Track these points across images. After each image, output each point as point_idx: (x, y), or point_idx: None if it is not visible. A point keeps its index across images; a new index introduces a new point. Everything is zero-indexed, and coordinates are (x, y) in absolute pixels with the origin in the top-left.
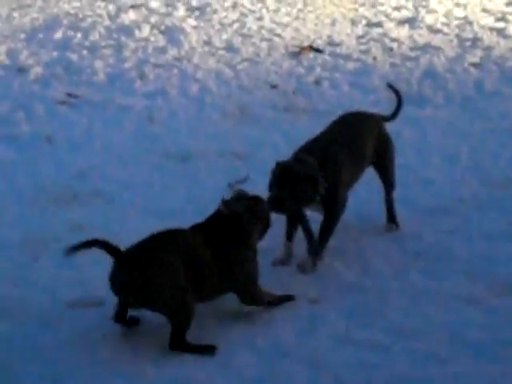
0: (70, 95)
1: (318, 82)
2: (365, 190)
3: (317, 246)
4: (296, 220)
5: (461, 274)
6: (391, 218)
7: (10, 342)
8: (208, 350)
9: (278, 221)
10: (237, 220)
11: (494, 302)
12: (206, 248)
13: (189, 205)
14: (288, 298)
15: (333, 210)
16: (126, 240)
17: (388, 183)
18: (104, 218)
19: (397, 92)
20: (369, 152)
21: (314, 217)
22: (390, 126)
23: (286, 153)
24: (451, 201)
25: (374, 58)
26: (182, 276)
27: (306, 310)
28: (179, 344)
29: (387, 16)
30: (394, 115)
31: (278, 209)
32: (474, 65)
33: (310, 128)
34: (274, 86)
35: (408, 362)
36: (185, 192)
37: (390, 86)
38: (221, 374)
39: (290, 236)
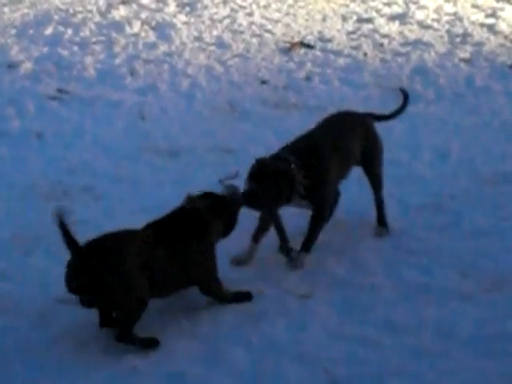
0: (60, 91)
1: (308, 78)
2: (356, 186)
3: (287, 244)
4: (268, 221)
5: (452, 270)
6: (381, 220)
7: (1, 338)
8: (151, 343)
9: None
10: (196, 215)
11: (484, 297)
12: (161, 244)
13: (179, 201)
14: (246, 296)
15: (319, 208)
16: None
17: (375, 183)
18: (94, 213)
19: (406, 96)
20: (355, 151)
21: (303, 213)
22: (380, 122)
23: (276, 148)
24: (442, 197)
25: (365, 54)
26: (138, 277)
27: (297, 306)
28: (125, 336)
29: (378, 12)
30: (392, 116)
31: (250, 204)
32: (465, 60)
33: (301, 124)
34: (264, 82)
35: (399, 358)
36: (175, 188)
37: (402, 91)
38: (213, 370)
39: (256, 238)
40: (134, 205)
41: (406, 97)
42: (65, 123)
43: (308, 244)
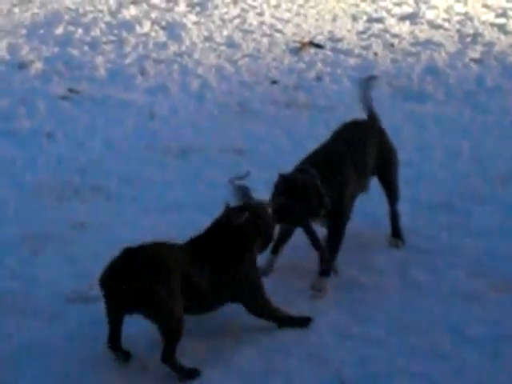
0: (70, 91)
1: (318, 78)
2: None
3: (326, 264)
4: (286, 234)
5: (461, 270)
6: (396, 232)
7: (11, 337)
8: (193, 373)
9: None
10: (239, 232)
11: (494, 297)
12: (203, 262)
13: (189, 201)
14: (303, 322)
15: (338, 224)
16: (126, 235)
17: (391, 194)
18: (105, 213)
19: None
20: (372, 163)
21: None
22: (390, 122)
23: (286, 148)
24: (452, 196)
25: (375, 54)
26: (179, 295)
27: (306, 306)
28: (170, 357)
29: (388, 12)
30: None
31: (283, 219)
32: (475, 60)
33: (311, 124)
34: (274, 82)
35: (408, 358)
36: (185, 188)
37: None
38: (222, 370)
39: (275, 249)
40: (144, 205)
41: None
42: (75, 123)
43: (327, 267)
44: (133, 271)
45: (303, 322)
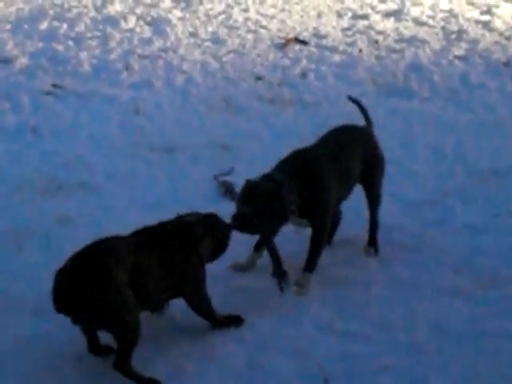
0: (55, 86)
1: (303, 74)
2: None
3: (282, 269)
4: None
5: (446, 267)
6: (372, 240)
7: None
8: (150, 382)
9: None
10: (187, 228)
11: (478, 294)
12: (150, 252)
13: (174, 196)
14: (236, 321)
15: (318, 227)
16: (111, 231)
17: (373, 203)
18: (89, 208)
19: (359, 104)
20: (356, 168)
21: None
22: (375, 118)
23: (271, 144)
24: (436, 193)
25: (360, 51)
26: (128, 289)
27: (290, 301)
28: (123, 365)
29: (373, 8)
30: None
31: (240, 227)
32: (460, 57)
33: (296, 120)
34: (259, 78)
35: (391, 354)
36: (170, 183)
37: (351, 98)
38: (206, 365)
39: (258, 247)
40: (128, 200)
41: (359, 105)
42: (60, 118)
43: (310, 265)
44: (76, 284)
45: (237, 322)
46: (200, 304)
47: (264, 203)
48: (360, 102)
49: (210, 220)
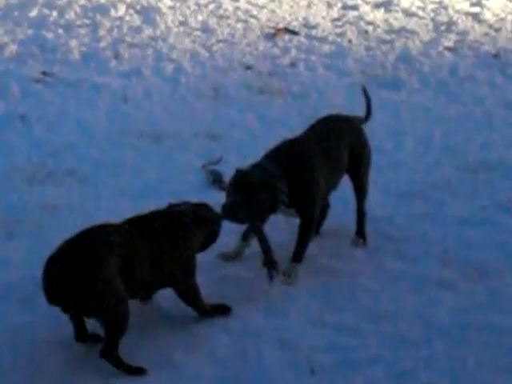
0: (44, 74)
1: (293, 64)
2: None
3: (272, 258)
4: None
5: (433, 258)
6: (360, 231)
7: None
8: (137, 371)
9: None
10: (178, 217)
11: (465, 286)
12: (143, 242)
13: (162, 185)
14: (223, 310)
15: (306, 217)
16: (99, 219)
17: (360, 190)
18: (77, 197)
19: (368, 98)
20: (344, 158)
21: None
22: (364, 109)
23: (259, 134)
24: (424, 184)
25: (350, 41)
26: (119, 277)
27: (278, 292)
28: (110, 354)
29: None
30: (367, 117)
31: (230, 217)
32: (449, 49)
33: (284, 110)
34: (248, 68)
35: (379, 345)
36: (158, 172)
37: (365, 91)
38: (193, 354)
39: (245, 236)
40: (117, 188)
41: (367, 97)
42: (49, 106)
43: (298, 254)
44: (66, 272)
45: (224, 311)
46: (189, 293)
47: (254, 192)
48: (370, 98)
49: (201, 209)
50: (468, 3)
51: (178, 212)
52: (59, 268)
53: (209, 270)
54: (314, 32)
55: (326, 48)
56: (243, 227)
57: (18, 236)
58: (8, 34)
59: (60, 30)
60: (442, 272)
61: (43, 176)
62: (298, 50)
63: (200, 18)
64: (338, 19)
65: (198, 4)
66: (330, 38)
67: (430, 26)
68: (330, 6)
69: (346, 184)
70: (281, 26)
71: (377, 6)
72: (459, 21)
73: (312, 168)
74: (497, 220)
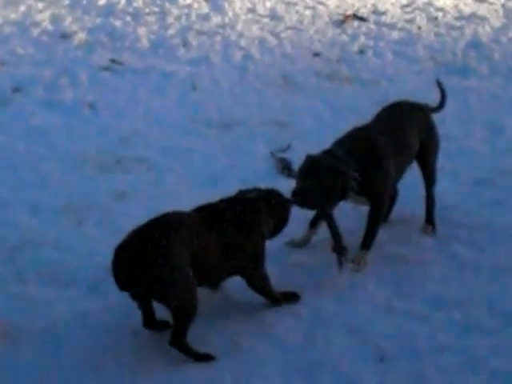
0: (113, 61)
1: (361, 51)
2: None
3: (342, 245)
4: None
5: (502, 246)
6: (429, 218)
7: (53, 307)
8: (205, 358)
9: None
10: (249, 204)
11: None
12: (213, 230)
13: (230, 173)
14: (292, 298)
15: (376, 204)
16: (167, 206)
17: (429, 178)
18: (146, 184)
19: (442, 89)
20: (414, 145)
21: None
22: (433, 96)
23: (328, 121)
24: (494, 172)
25: (419, 28)
26: (188, 264)
27: (346, 279)
28: (179, 341)
29: None
30: (439, 108)
31: (301, 202)
32: None
33: (353, 97)
34: (317, 55)
35: (448, 333)
36: (227, 160)
37: (439, 83)
38: (261, 341)
39: (313, 223)
40: (185, 176)
41: (442, 89)
42: (117, 94)
43: (367, 241)
44: (137, 259)
45: (293, 299)
46: (259, 281)
47: (325, 178)
48: (445, 90)
49: (271, 196)
50: None
51: (249, 199)
52: (129, 255)
53: (277, 258)
54: (382, 18)
55: (395, 35)
56: (311, 214)
57: (86, 223)
58: (76, 22)
59: (128, 18)
60: (511, 259)
61: (112, 163)
62: (366, 37)
63: (268, 4)
64: (407, 5)
65: None
66: (399, 24)
67: (501, 12)
68: None
69: (415, 171)
70: (349, 12)
71: None
72: None
73: (383, 156)
74: None
